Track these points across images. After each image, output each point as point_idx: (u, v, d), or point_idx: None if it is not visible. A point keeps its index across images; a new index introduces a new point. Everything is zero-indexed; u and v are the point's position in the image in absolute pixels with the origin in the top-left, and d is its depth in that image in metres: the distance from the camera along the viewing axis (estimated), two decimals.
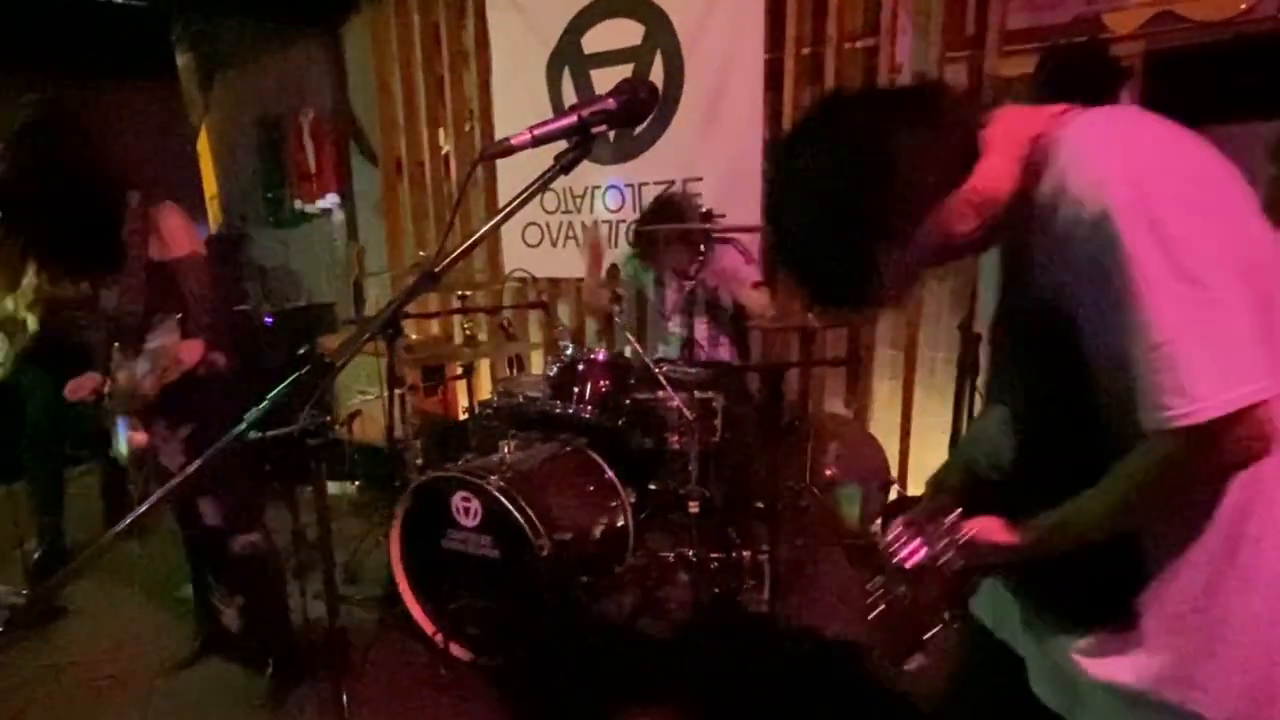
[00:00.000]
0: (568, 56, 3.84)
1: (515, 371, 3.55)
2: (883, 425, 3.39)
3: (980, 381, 2.45)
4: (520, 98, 4.02)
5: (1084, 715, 1.02)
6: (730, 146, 3.37)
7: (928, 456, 3.26)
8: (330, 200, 5.12)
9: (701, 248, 2.90)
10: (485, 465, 2.52)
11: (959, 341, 2.84)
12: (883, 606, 1.16)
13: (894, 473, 3.27)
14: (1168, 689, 0.92)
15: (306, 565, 2.53)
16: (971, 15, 3.00)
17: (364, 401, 3.91)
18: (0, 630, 2.49)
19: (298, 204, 5.28)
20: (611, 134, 3.53)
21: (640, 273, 3.33)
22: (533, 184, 1.02)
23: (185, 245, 2.16)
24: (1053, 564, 0.98)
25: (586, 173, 3.80)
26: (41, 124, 2.02)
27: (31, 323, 3.12)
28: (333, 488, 3.92)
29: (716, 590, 2.75)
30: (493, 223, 1.06)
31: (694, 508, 2.69)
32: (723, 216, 3.11)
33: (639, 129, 3.56)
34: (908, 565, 1.06)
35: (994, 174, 0.92)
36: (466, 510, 2.43)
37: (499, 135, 4.12)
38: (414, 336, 4.24)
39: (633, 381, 2.88)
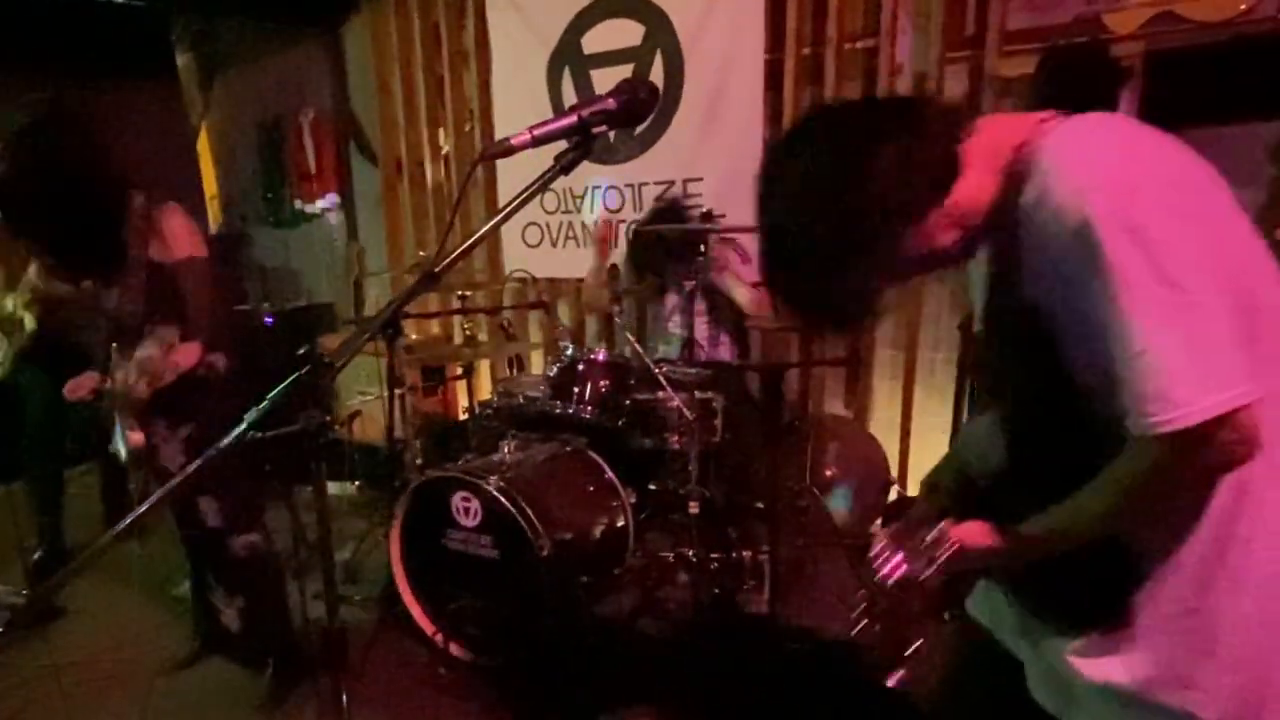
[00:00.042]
0: (568, 57, 3.84)
1: (515, 371, 3.55)
2: (883, 425, 3.39)
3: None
4: (520, 98, 4.02)
5: (1079, 716, 1.03)
6: (730, 146, 3.37)
7: (928, 456, 3.26)
8: (330, 200, 5.12)
9: (702, 248, 2.90)
10: (485, 465, 2.52)
11: (959, 341, 2.84)
12: (864, 621, 1.17)
13: (894, 473, 3.27)
14: (1160, 689, 0.92)
15: (306, 565, 2.54)
16: (971, 15, 3.00)
17: (364, 401, 3.91)
18: (0, 630, 2.49)
19: (298, 204, 5.28)
20: (612, 134, 3.53)
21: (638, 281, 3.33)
22: (533, 184, 1.02)
23: (187, 248, 2.15)
24: (1045, 567, 0.98)
25: (586, 173, 3.80)
26: (46, 123, 2.02)
27: (29, 322, 3.12)
28: (333, 488, 3.92)
29: (716, 590, 2.74)
30: (493, 223, 1.06)
31: (694, 508, 2.69)
32: (723, 216, 3.11)
33: (639, 129, 3.56)
34: (889, 581, 1.07)
35: (974, 188, 0.93)
36: (466, 510, 2.43)
37: (499, 135, 4.12)
38: (414, 336, 4.24)
39: (633, 381, 2.88)
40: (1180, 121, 2.78)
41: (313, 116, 5.04)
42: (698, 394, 2.71)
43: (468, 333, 3.22)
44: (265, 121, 5.32)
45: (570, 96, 3.86)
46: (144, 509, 0.99)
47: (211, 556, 2.44)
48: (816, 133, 0.98)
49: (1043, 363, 0.92)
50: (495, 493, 2.32)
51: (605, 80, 3.71)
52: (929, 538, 1.03)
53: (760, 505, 2.97)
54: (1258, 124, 2.52)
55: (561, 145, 1.02)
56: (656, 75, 3.55)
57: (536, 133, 0.98)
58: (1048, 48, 2.62)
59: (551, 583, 2.30)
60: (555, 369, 2.95)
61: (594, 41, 3.74)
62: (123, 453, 2.23)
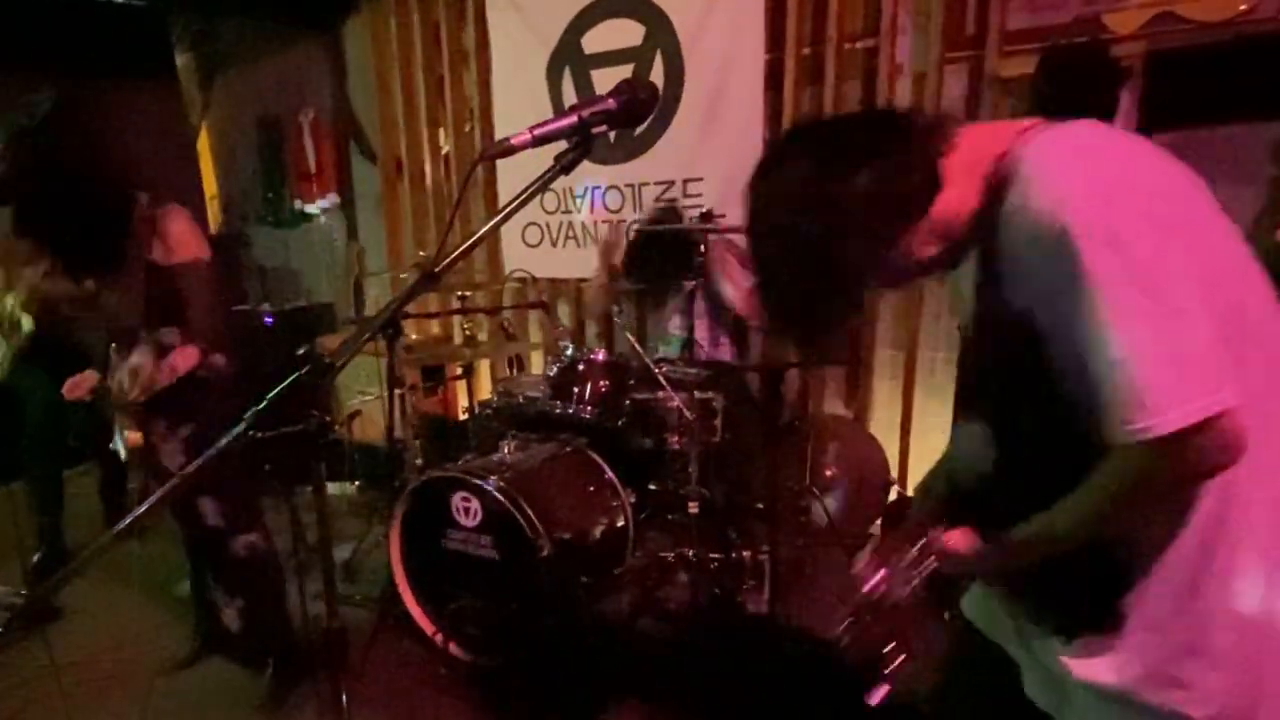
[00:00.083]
0: (568, 57, 3.84)
1: (515, 371, 3.55)
2: (883, 425, 3.39)
3: None
4: (520, 98, 4.02)
5: (1072, 715, 1.04)
6: (730, 146, 3.37)
7: (928, 456, 3.26)
8: (330, 200, 5.12)
9: (702, 248, 2.91)
10: (485, 465, 2.52)
11: (959, 341, 2.84)
12: (848, 638, 1.18)
13: (894, 473, 3.27)
14: (1149, 689, 0.93)
15: (306, 565, 2.54)
16: (972, 15, 3.00)
17: (364, 401, 3.91)
18: (0, 630, 2.49)
19: (298, 204, 5.28)
20: (612, 134, 3.54)
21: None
22: (533, 184, 1.02)
23: (191, 250, 2.14)
24: (1035, 570, 0.99)
25: (583, 173, 3.80)
26: (53, 121, 2.02)
27: (27, 324, 3.11)
28: (333, 488, 3.92)
29: (716, 590, 2.74)
30: (493, 223, 1.06)
31: (694, 508, 2.69)
32: (723, 216, 3.11)
33: (639, 129, 3.56)
34: (871, 597, 1.09)
35: (956, 200, 0.95)
36: (466, 510, 2.43)
37: (499, 135, 4.12)
38: (414, 336, 4.24)
39: (633, 382, 2.88)
40: (1180, 122, 2.80)
41: (313, 116, 5.04)
42: (698, 394, 2.71)
43: (468, 333, 3.22)
44: (265, 121, 5.32)
45: (570, 96, 3.86)
46: (144, 509, 0.99)
47: (211, 556, 2.44)
48: (797, 153, 1.00)
49: (1027, 369, 0.93)
50: (495, 493, 2.32)
51: (605, 80, 3.71)
52: (909, 556, 1.05)
53: (760, 505, 2.97)
54: (1258, 124, 2.52)
55: (562, 145, 1.02)
56: (657, 75, 3.55)
57: (537, 133, 0.98)
58: (1048, 48, 2.61)
59: (551, 583, 2.30)
60: (555, 369, 2.96)
61: (594, 41, 3.74)
62: (123, 452, 2.23)
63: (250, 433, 0.93)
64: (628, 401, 2.84)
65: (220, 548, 2.35)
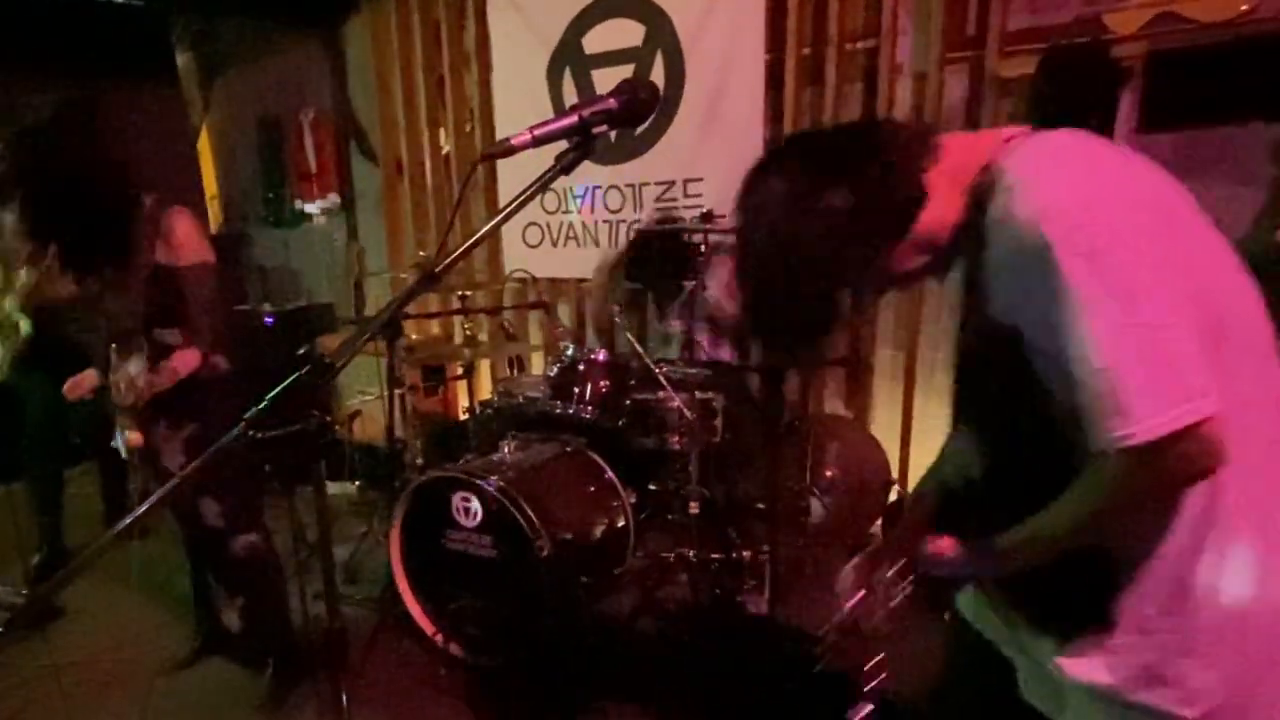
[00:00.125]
0: (568, 57, 3.84)
1: (515, 372, 3.55)
2: (883, 425, 3.39)
3: None
4: (521, 98, 4.02)
5: (1066, 716, 1.04)
6: (730, 146, 3.37)
7: (928, 457, 3.22)
8: (330, 200, 5.11)
9: (702, 248, 2.91)
10: (485, 465, 2.52)
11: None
12: (829, 654, 1.20)
13: (894, 473, 3.27)
14: (1141, 689, 0.93)
15: (306, 565, 2.54)
16: (972, 16, 3.00)
17: (364, 401, 3.91)
18: (0, 630, 2.49)
19: (298, 204, 5.28)
20: (612, 134, 3.54)
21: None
22: (533, 184, 1.02)
23: (194, 253, 2.14)
24: (1028, 572, 1.00)
25: (588, 173, 3.80)
26: (59, 121, 2.02)
27: (25, 326, 3.11)
28: (333, 488, 3.92)
29: (716, 590, 2.74)
30: (493, 223, 1.06)
31: (694, 508, 2.69)
32: (723, 217, 3.11)
33: (640, 129, 3.56)
34: (848, 620, 1.12)
35: (940, 212, 0.96)
36: (466, 510, 2.43)
37: (499, 135, 4.12)
38: (414, 336, 4.24)
39: (633, 382, 2.88)
40: (1181, 122, 2.80)
41: (313, 116, 5.04)
42: (698, 394, 2.72)
43: (468, 333, 3.23)
44: (265, 121, 5.32)
45: (571, 96, 3.86)
46: (144, 509, 0.99)
47: (212, 557, 2.44)
48: (783, 169, 1.01)
49: (1013, 377, 0.94)
50: (495, 493, 2.32)
51: (606, 80, 3.71)
52: (887, 576, 1.06)
53: (760, 505, 2.97)
54: (1258, 124, 2.52)
55: (562, 145, 1.02)
56: (657, 75, 3.55)
57: (537, 133, 0.98)
58: (1048, 48, 2.61)
59: (551, 583, 2.30)
60: (555, 369, 2.96)
61: (595, 42, 3.74)
62: (123, 451, 2.23)
63: (250, 433, 0.93)
64: (628, 401, 2.84)
65: (221, 548, 2.34)
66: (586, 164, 1.04)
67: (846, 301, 1.00)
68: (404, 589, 2.59)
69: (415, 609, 2.58)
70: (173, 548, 2.54)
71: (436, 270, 1.01)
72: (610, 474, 2.72)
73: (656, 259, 3.00)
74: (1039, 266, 0.84)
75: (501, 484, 2.34)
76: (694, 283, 2.98)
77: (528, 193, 1.01)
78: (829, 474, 3.11)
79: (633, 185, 3.75)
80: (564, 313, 4.14)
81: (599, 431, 2.82)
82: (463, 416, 4.05)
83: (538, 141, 0.98)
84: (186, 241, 2.13)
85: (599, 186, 3.84)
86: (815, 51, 3.26)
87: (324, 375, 0.97)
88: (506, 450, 2.64)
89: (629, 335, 2.90)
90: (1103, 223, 0.82)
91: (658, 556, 2.88)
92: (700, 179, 3.53)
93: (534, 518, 2.28)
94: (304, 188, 5.20)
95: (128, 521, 0.96)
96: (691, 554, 2.78)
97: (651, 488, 2.90)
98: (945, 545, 1.05)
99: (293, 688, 2.40)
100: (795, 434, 3.17)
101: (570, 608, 2.41)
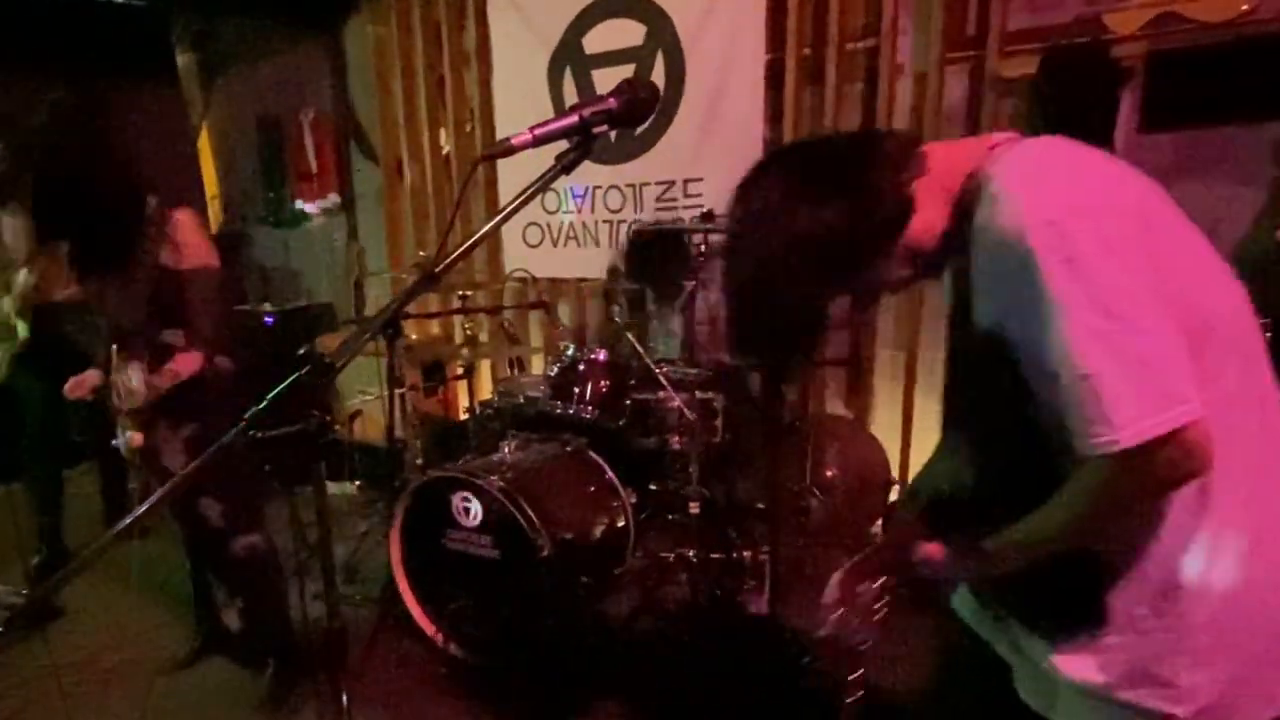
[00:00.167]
0: (569, 57, 3.84)
1: (516, 372, 3.55)
2: (883, 425, 3.39)
3: None
4: (521, 98, 4.02)
5: (1059, 714, 1.05)
6: (730, 146, 3.37)
7: (927, 457, 3.25)
8: (330, 200, 5.11)
9: (703, 247, 2.91)
10: (485, 465, 2.52)
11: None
12: (814, 666, 1.21)
13: (894, 473, 3.27)
14: (1133, 687, 0.94)
15: (306, 565, 2.53)
16: (972, 15, 2.99)
17: (364, 401, 3.91)
18: (0, 630, 2.49)
19: (298, 204, 5.28)
20: (612, 134, 3.54)
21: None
22: (533, 184, 1.02)
23: (200, 257, 2.14)
24: (1018, 574, 1.01)
25: (588, 173, 3.80)
26: (67, 121, 2.02)
27: (22, 329, 3.11)
28: (333, 488, 3.92)
29: (716, 590, 2.74)
30: (493, 223, 1.06)
31: (694, 508, 2.69)
32: (723, 217, 3.10)
33: (640, 129, 3.56)
34: (830, 630, 1.13)
35: (927, 222, 0.97)
36: (466, 510, 2.43)
37: (500, 135, 4.12)
38: (414, 336, 4.24)
39: (633, 382, 2.88)
40: (1181, 122, 2.79)
41: (313, 116, 5.04)
42: (698, 394, 2.71)
43: (468, 333, 3.22)
44: (265, 121, 5.31)
45: (571, 96, 3.85)
46: (144, 509, 0.99)
47: (212, 557, 2.44)
48: (771, 184, 1.02)
49: (1000, 382, 0.94)
50: (495, 493, 2.32)
51: (606, 80, 3.71)
52: (869, 592, 1.08)
53: (760, 505, 2.97)
54: (1259, 124, 2.52)
55: (562, 145, 1.02)
56: (658, 75, 3.55)
57: (537, 132, 0.98)
58: (1049, 48, 2.61)
59: (551, 583, 2.30)
60: (556, 369, 2.95)
61: (595, 41, 3.74)
62: (124, 450, 2.23)
63: (250, 432, 0.93)
64: (628, 401, 2.84)
65: (222, 548, 2.34)
66: (586, 164, 1.04)
67: (832, 313, 1.02)
68: (404, 589, 2.59)
69: (415, 609, 2.58)
70: (173, 548, 2.54)
71: (436, 270, 1.01)
72: (610, 474, 2.72)
73: (657, 259, 3.00)
74: (1022, 274, 0.85)
75: (502, 484, 2.34)
76: (694, 283, 2.97)
77: (528, 193, 1.01)
78: (829, 474, 3.11)
79: (633, 185, 3.75)
80: (564, 313, 4.14)
81: (599, 431, 2.82)
82: (463, 416, 4.05)
83: (538, 141, 0.98)
84: (191, 244, 2.13)
85: (599, 186, 3.85)
86: (815, 51, 3.26)
87: (324, 375, 0.97)
88: (507, 450, 2.64)
89: (629, 335, 2.90)
90: (1085, 229, 0.83)
91: (658, 556, 2.88)
92: (700, 179, 3.53)
93: (534, 518, 2.28)
94: (304, 188, 5.20)
95: (128, 521, 0.96)
96: (691, 554, 2.78)
97: (652, 488, 2.90)
98: (933, 549, 1.07)
99: (293, 688, 2.40)
100: (795, 434, 3.17)
101: (570, 608, 2.41)
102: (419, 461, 3.07)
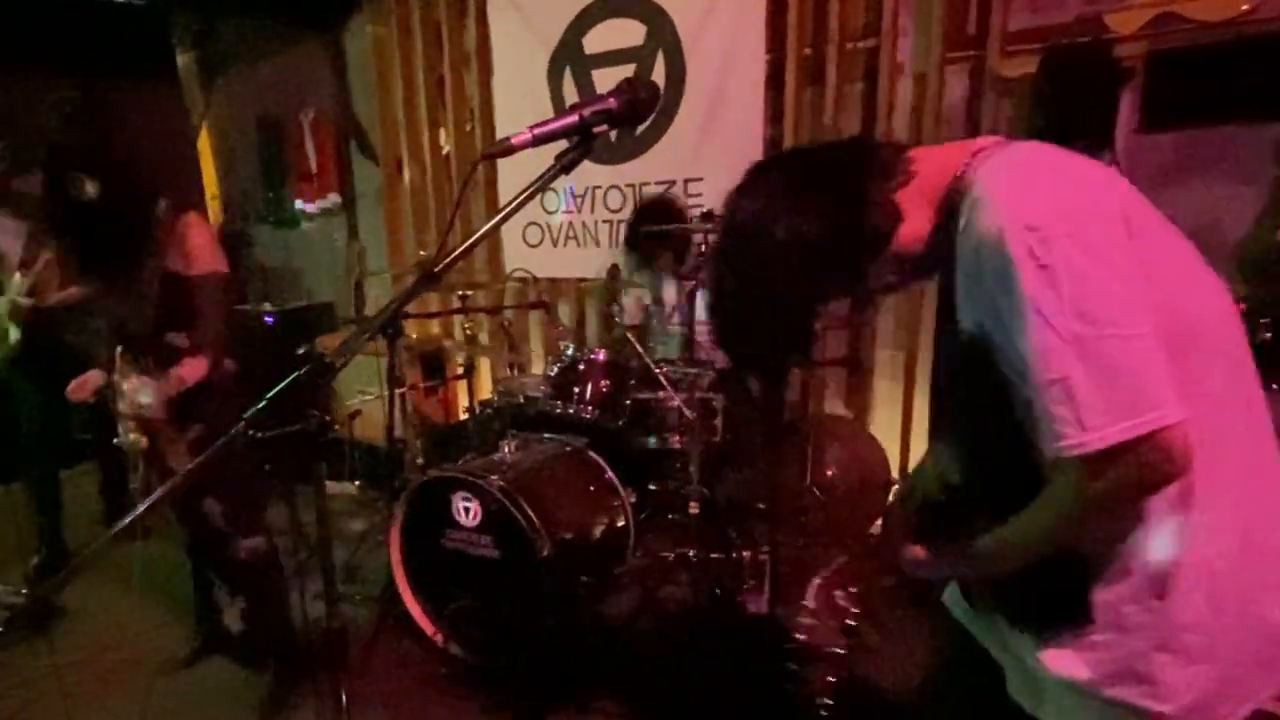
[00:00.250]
0: (569, 56, 3.84)
1: (516, 371, 3.55)
2: (883, 425, 3.39)
3: None
4: (521, 98, 4.02)
5: (1048, 711, 1.06)
6: (730, 146, 3.37)
7: None
8: (330, 200, 5.12)
9: (703, 246, 2.90)
10: (485, 465, 2.52)
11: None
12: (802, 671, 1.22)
13: (894, 473, 3.27)
14: (1119, 684, 0.95)
15: (306, 565, 2.54)
16: (973, 15, 2.99)
17: (364, 401, 3.91)
18: (0, 630, 2.49)
19: (298, 204, 5.28)
20: (612, 134, 3.54)
21: (636, 271, 3.34)
22: (533, 184, 1.02)
23: (209, 263, 2.13)
24: (1004, 573, 1.02)
25: (588, 173, 3.80)
26: (75, 121, 2.02)
27: (14, 332, 3.10)
28: (333, 488, 3.92)
29: (716, 590, 2.74)
30: (493, 222, 1.06)
31: (694, 508, 2.69)
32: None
33: (640, 129, 3.56)
34: (805, 638, 1.14)
35: (914, 228, 0.98)
36: (466, 510, 2.43)
37: (499, 135, 4.11)
38: (414, 336, 4.24)
39: (633, 382, 2.88)
40: (1181, 122, 2.79)
41: (313, 116, 5.04)
42: (698, 394, 2.71)
43: (468, 332, 3.22)
44: (265, 121, 5.32)
45: (571, 96, 3.86)
46: (143, 509, 0.99)
47: (215, 558, 2.44)
48: (760, 194, 1.03)
49: (985, 385, 0.95)
50: (495, 493, 2.32)
51: (606, 80, 3.71)
52: (841, 602, 1.10)
53: (760, 505, 2.97)
54: (1259, 124, 2.52)
55: (562, 145, 1.02)
56: (658, 75, 3.55)
57: (537, 132, 0.98)
58: (1049, 48, 2.61)
59: (551, 583, 2.30)
60: (556, 369, 2.95)
61: (595, 41, 3.74)
62: (127, 447, 2.23)
63: (250, 432, 0.93)
64: (628, 401, 2.84)
65: (223, 549, 2.34)
66: (586, 164, 1.04)
67: (831, 314, 1.03)
68: (404, 589, 2.59)
69: (415, 609, 2.58)
70: (174, 548, 2.54)
71: (436, 270, 1.01)
72: (610, 474, 2.72)
73: (657, 235, 2.99)
74: (1001, 277, 0.85)
75: (502, 484, 2.34)
76: (694, 283, 2.97)
77: (528, 192, 1.01)
78: (829, 474, 3.11)
79: (633, 185, 3.75)
80: (564, 313, 4.14)
81: (599, 431, 2.82)
82: (463, 416, 4.05)
83: (538, 141, 0.99)
84: (200, 250, 2.12)
85: (599, 186, 3.84)
86: (816, 51, 3.26)
87: (324, 375, 0.97)
88: (506, 450, 2.64)
89: (629, 335, 2.90)
90: (1067, 234, 0.83)
91: (658, 556, 2.88)
92: (700, 179, 3.53)
93: (534, 518, 2.28)
94: (304, 188, 5.20)
95: (128, 521, 0.96)
96: (691, 554, 2.78)
97: (652, 487, 2.90)
98: (919, 550, 1.09)
99: (293, 688, 2.40)
100: (795, 434, 3.17)
101: (570, 608, 2.41)
102: (419, 461, 3.07)
